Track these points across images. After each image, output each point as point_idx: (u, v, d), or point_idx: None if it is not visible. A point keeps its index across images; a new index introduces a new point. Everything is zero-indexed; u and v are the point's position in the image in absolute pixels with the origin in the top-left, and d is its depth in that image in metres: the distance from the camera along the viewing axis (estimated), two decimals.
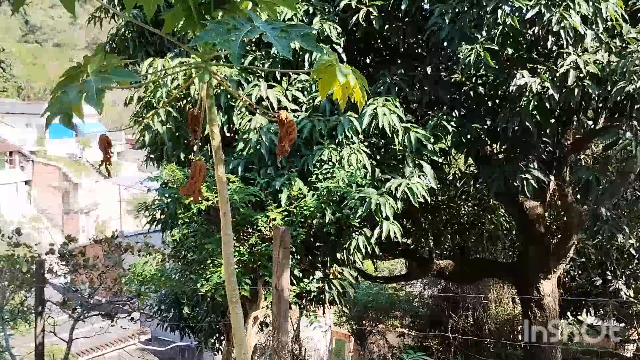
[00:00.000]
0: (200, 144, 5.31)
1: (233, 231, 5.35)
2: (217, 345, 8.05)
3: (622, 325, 15.70)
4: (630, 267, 11.02)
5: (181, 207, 5.29)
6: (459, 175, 8.58)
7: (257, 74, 6.00)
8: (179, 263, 5.95)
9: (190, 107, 5.60)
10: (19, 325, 9.79)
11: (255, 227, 5.27)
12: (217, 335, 7.77)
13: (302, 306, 6.12)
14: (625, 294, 11.03)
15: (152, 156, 7.15)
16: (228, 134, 6.11)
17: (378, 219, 5.29)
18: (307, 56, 5.95)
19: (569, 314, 13.48)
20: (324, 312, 6.43)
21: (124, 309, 10.15)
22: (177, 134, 6.00)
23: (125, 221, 33.68)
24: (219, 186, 3.42)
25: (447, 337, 15.94)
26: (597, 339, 16.89)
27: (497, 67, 5.59)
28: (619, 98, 5.20)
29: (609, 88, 5.33)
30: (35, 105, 42.09)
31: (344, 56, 6.08)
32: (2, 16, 61.45)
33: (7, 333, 9.89)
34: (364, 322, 19.36)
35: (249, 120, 5.69)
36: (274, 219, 5.11)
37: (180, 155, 6.15)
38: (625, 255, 10.62)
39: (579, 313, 13.84)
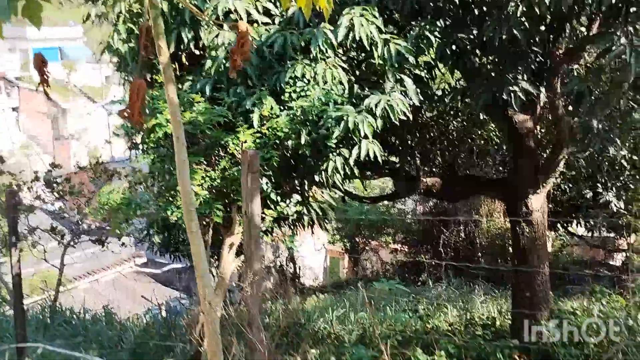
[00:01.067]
0: (153, 60, 4.91)
1: (203, 155, 5.09)
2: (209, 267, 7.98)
3: (612, 235, 15.86)
4: (621, 178, 10.90)
5: (147, 131, 4.99)
6: (448, 90, 8.23)
7: None
8: (148, 190, 5.72)
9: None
10: (8, 253, 9.74)
11: (226, 149, 5.00)
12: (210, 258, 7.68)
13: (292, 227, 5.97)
14: (615, 205, 10.95)
15: (122, 73, 6.75)
16: (196, 52, 5.71)
17: (356, 139, 5.01)
18: None
19: (559, 226, 13.54)
20: (312, 232, 6.27)
21: (114, 235, 10.05)
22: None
23: (117, 146, 33.33)
24: (170, 108, 3.11)
25: (438, 252, 16.15)
26: (586, 250, 17.12)
27: None
28: (613, 1, 4.80)
29: None
30: (19, 29, 40.66)
31: None
32: None
33: None
34: (357, 240, 19.58)
35: (216, 36, 5.28)
36: (246, 141, 4.83)
37: (147, 76, 5.77)
38: (616, 167, 10.47)
39: (569, 225, 13.90)
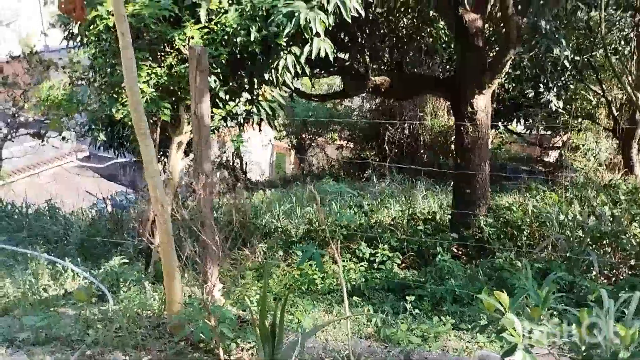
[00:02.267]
0: None
1: (148, 50, 4.89)
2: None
3: (549, 134, 16.49)
4: (562, 79, 11.19)
5: (87, 23, 4.70)
6: None
7: None
8: (90, 87, 5.49)
9: None
10: None
11: (172, 45, 4.81)
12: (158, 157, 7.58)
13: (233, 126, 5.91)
14: (555, 105, 11.31)
15: None
16: None
17: (308, 36, 4.89)
18: None
19: (500, 124, 13.95)
20: (260, 130, 6.24)
21: (53, 128, 9.73)
22: None
23: (52, 34, 31.47)
24: (113, 1, 2.96)
25: (383, 149, 16.45)
26: (523, 148, 17.80)
27: None
28: None
29: None
30: None
31: None
32: None
33: None
34: (303, 136, 19.65)
35: None
36: (193, 37, 4.64)
37: None
38: (559, 68, 10.71)
39: (509, 123, 14.34)
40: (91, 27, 4.66)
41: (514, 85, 11.87)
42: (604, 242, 6.08)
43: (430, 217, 7.97)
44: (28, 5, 34.80)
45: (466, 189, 7.70)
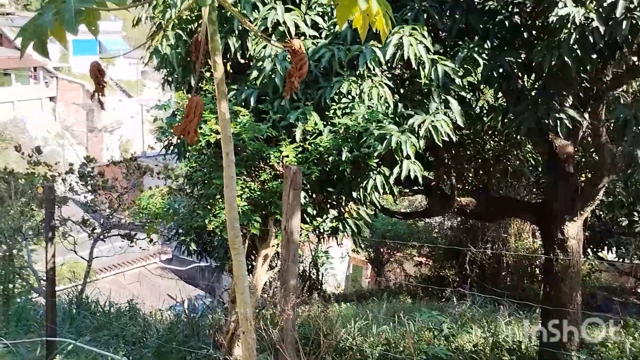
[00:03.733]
0: (207, 73, 4.92)
1: (244, 166, 5.10)
2: None
3: None
4: None
5: None
6: (487, 108, 8.13)
7: None
8: (187, 197, 5.74)
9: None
10: (41, 242, 9.90)
11: (267, 162, 5.00)
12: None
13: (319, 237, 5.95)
14: None
15: (169, 79, 6.82)
16: (242, 61, 5.73)
17: (398, 158, 4.97)
18: None
19: (589, 250, 13.30)
20: (341, 243, 6.24)
21: (143, 230, 10.17)
22: (187, 58, 5.63)
23: (149, 141, 33.74)
24: (221, 123, 3.11)
25: (464, 268, 15.96)
26: (615, 277, 16.77)
27: None
28: None
29: None
30: None
31: None
32: None
33: (29, 249, 10.00)
34: (381, 249, 19.45)
35: (264, 47, 5.29)
36: (287, 155, 4.82)
37: (191, 82, 5.80)
38: None
39: (600, 250, 13.65)
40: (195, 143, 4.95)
41: (606, 211, 11.42)
42: None
43: (515, 346, 7.50)
44: (130, 114, 37.77)
45: (556, 320, 7.27)
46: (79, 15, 2.06)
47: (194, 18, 5.55)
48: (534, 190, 11.99)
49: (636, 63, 6.00)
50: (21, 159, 11.89)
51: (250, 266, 5.94)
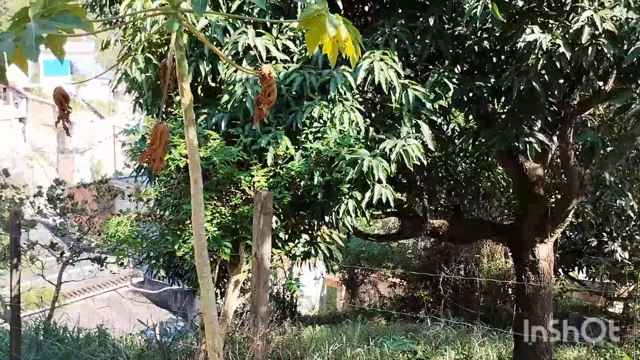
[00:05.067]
0: (175, 97, 4.86)
1: (214, 190, 5.04)
2: None
3: (613, 282, 15.74)
4: (627, 229, 10.86)
5: None
6: (457, 131, 8.22)
7: (246, 20, 5.53)
8: (157, 222, 5.65)
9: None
10: (7, 266, 9.64)
11: (238, 186, 4.95)
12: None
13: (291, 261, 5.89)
14: (621, 255, 10.90)
15: (140, 102, 6.74)
16: (213, 85, 5.70)
17: (370, 182, 4.96)
18: (299, 3, 5.46)
19: (560, 270, 13.44)
20: (314, 266, 6.19)
21: (113, 253, 9.97)
22: (157, 82, 5.57)
23: (120, 163, 33.34)
24: (189, 150, 3.05)
25: (438, 289, 15.98)
26: (586, 296, 16.96)
27: (505, 20, 5.15)
28: (635, 59, 4.79)
29: (625, 47, 4.91)
30: None
31: (339, 3, 5.59)
32: None
33: None
34: (355, 271, 19.39)
35: (235, 71, 5.26)
36: (258, 180, 4.78)
37: (160, 106, 5.73)
38: (623, 218, 10.43)
39: (571, 270, 13.81)
40: (164, 168, 4.88)
41: (575, 233, 11.58)
42: None
43: None
44: (101, 135, 37.34)
45: (528, 342, 7.31)
46: (39, 42, 2.01)
47: (163, 42, 5.51)
48: (506, 211, 12.11)
49: (602, 88, 6.13)
50: None
51: (221, 292, 5.84)
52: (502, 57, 5.98)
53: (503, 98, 5.99)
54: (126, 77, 5.55)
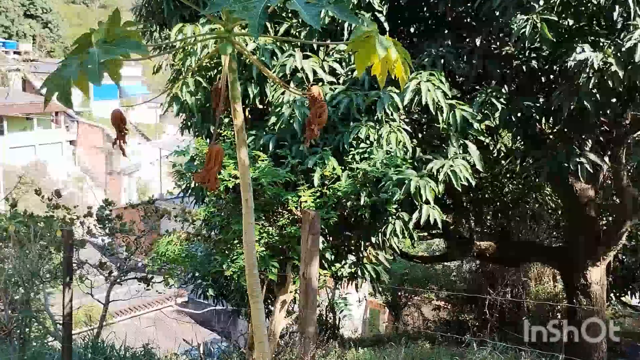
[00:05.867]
0: (226, 119, 4.95)
1: (262, 211, 5.08)
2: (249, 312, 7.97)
3: None
4: None
5: None
6: (504, 152, 8.10)
7: (293, 43, 5.62)
8: (205, 242, 5.73)
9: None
10: (59, 285, 9.89)
11: (285, 206, 4.98)
12: (249, 303, 7.63)
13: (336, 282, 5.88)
14: None
15: (188, 124, 6.89)
16: (260, 106, 5.79)
17: (417, 203, 4.93)
18: (346, 24, 5.52)
19: (612, 295, 12.98)
20: (360, 286, 6.17)
21: (159, 273, 10.13)
22: (207, 104, 5.70)
23: (166, 184, 34.00)
24: (240, 170, 3.09)
25: (483, 313, 15.64)
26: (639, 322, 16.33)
27: (554, 39, 5.08)
28: None
29: None
30: None
31: (386, 25, 5.63)
32: None
33: (46, 292, 9.99)
34: (399, 293, 19.15)
35: (282, 93, 5.34)
36: (305, 200, 4.80)
37: (210, 128, 5.86)
38: None
39: (624, 295, 13.33)
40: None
41: (628, 255, 11.21)
42: None
43: None
44: (147, 157, 38.18)
45: None
46: (102, 67, 2.08)
47: (213, 65, 5.64)
48: (554, 234, 11.82)
49: None
50: (41, 202, 12.00)
51: (267, 312, 5.86)
52: (551, 76, 5.90)
53: (552, 118, 5.89)
54: (176, 100, 5.68)
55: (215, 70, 5.64)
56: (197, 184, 6.16)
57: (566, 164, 5.65)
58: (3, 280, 8.88)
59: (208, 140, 5.66)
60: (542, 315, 14.98)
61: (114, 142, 3.09)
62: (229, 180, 4.78)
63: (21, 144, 35.03)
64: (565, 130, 5.88)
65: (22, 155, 34.84)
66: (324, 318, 16.65)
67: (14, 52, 41.13)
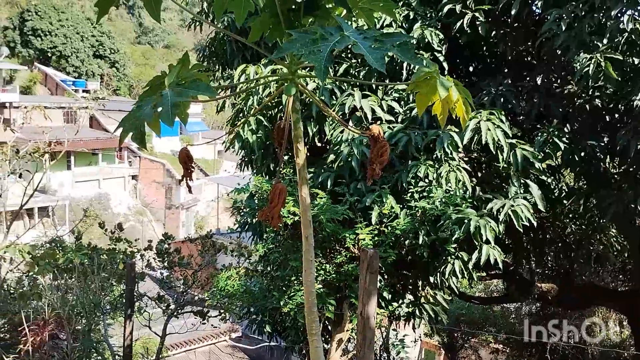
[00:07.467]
0: (285, 157, 5.04)
1: (319, 247, 5.12)
2: (304, 350, 7.93)
3: None
4: None
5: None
6: (566, 191, 7.89)
7: (352, 82, 5.71)
8: (262, 278, 5.79)
9: (282, 116, 5.40)
10: (118, 316, 10.13)
11: (342, 244, 5.00)
12: (304, 340, 7.61)
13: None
14: None
15: (248, 160, 7.05)
16: (319, 144, 5.87)
17: (477, 243, 4.86)
18: (405, 64, 5.58)
19: None
20: (417, 326, 6.07)
21: (215, 307, 10.25)
22: (267, 142, 5.83)
23: (223, 219, 34.56)
24: (301, 207, 3.15)
25: (545, 358, 15.02)
26: None
27: (619, 78, 4.97)
28: None
29: None
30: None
31: (445, 65, 5.66)
32: (119, 20, 65.02)
33: (106, 323, 10.25)
34: (455, 334, 18.65)
35: (341, 132, 5.41)
36: (363, 238, 4.81)
37: (270, 165, 5.98)
38: None
39: None
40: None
41: None
42: None
43: None
44: (205, 192, 39.01)
45: None
46: (175, 109, 2.17)
47: (274, 104, 5.78)
48: (621, 276, 11.33)
49: None
50: (104, 235, 12.38)
51: (323, 350, 5.83)
52: (616, 115, 5.76)
53: (618, 157, 5.73)
54: (238, 137, 5.84)
55: (276, 109, 5.78)
56: (255, 220, 6.27)
57: (633, 205, 5.46)
58: (67, 311, 9.18)
59: (267, 177, 5.77)
60: None
61: (180, 179, 3.20)
62: (288, 216, 4.84)
63: (87, 178, 36.47)
64: (632, 169, 5.70)
65: (87, 189, 36.22)
66: (378, 358, 16.34)
67: (83, 91, 43.12)
